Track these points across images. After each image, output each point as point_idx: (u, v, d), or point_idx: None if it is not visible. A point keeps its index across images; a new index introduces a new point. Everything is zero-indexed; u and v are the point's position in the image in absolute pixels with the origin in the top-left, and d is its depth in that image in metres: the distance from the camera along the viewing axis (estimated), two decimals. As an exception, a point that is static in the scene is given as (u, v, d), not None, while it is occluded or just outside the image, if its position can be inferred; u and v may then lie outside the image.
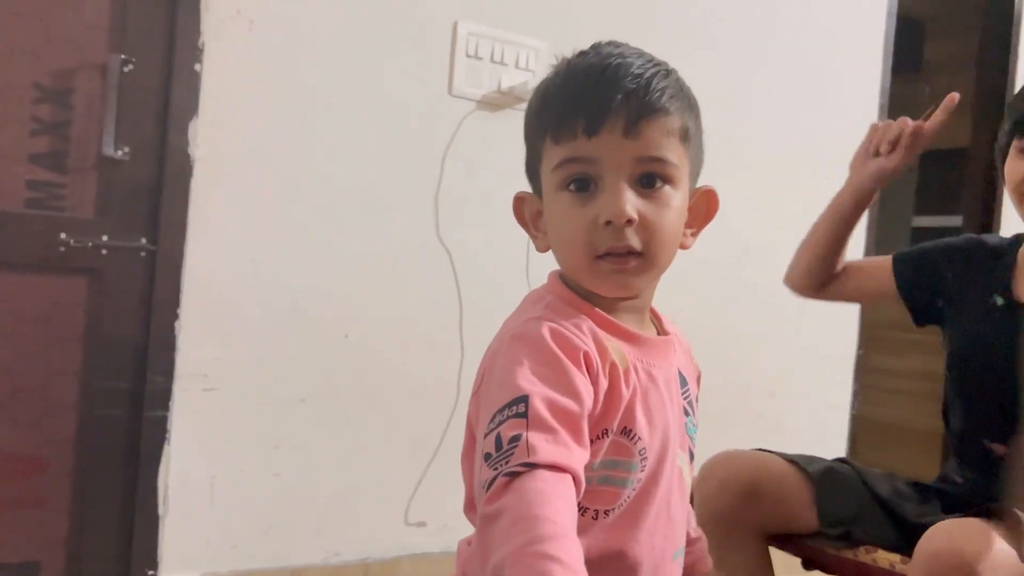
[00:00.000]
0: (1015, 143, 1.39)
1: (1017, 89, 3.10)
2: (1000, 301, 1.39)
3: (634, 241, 0.80)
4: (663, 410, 0.85)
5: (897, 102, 2.70)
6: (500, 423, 0.72)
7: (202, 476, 1.88)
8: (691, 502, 0.99)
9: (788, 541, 1.45)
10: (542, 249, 0.88)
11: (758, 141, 2.51)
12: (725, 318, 2.48)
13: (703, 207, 0.89)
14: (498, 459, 0.70)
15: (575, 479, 0.72)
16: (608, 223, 0.79)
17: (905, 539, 1.33)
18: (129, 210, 1.80)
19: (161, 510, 1.84)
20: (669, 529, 0.87)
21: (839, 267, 1.54)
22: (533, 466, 0.69)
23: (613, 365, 0.80)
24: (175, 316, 1.83)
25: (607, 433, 0.80)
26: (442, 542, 2.12)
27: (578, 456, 0.73)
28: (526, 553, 0.64)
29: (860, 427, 2.85)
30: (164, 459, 1.84)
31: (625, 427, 0.81)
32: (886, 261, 1.53)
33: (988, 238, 1.49)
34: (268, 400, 1.93)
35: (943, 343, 1.50)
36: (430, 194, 2.09)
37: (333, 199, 1.98)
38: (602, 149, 0.79)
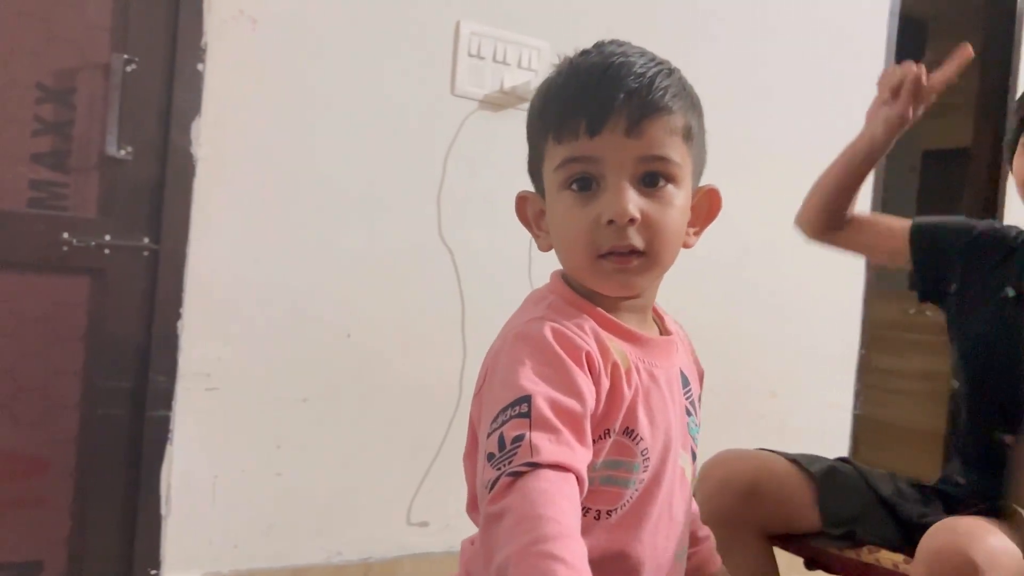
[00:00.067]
0: (1023, 139, 1.38)
1: (1021, 87, 3.11)
2: (1012, 293, 1.39)
3: (636, 240, 0.80)
4: (665, 410, 0.85)
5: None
6: (503, 423, 0.72)
7: (204, 475, 1.88)
8: (694, 501, 0.99)
9: (791, 541, 1.45)
10: (544, 248, 0.88)
11: (759, 141, 2.51)
12: (727, 318, 2.47)
13: (706, 206, 0.89)
14: (501, 459, 0.70)
15: (578, 479, 0.72)
16: (610, 222, 0.79)
17: (908, 539, 1.33)
18: (132, 210, 1.80)
19: (163, 509, 1.84)
20: (672, 529, 0.87)
21: (849, 214, 1.52)
22: (536, 466, 0.69)
23: (615, 365, 0.80)
24: (177, 316, 1.83)
25: (609, 433, 0.80)
26: (444, 542, 2.12)
27: (581, 456, 0.73)
28: (530, 553, 0.64)
29: (862, 427, 2.85)
30: (166, 459, 1.84)
31: (627, 427, 0.81)
32: (904, 226, 1.51)
33: (1007, 229, 1.47)
34: (270, 400, 1.93)
35: (950, 333, 1.49)
36: (432, 194, 2.09)
37: (336, 199, 1.98)
38: (604, 148, 0.79)
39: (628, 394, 0.81)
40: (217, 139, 1.85)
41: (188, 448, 1.86)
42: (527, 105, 0.89)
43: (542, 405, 0.72)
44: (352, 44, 1.98)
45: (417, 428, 2.08)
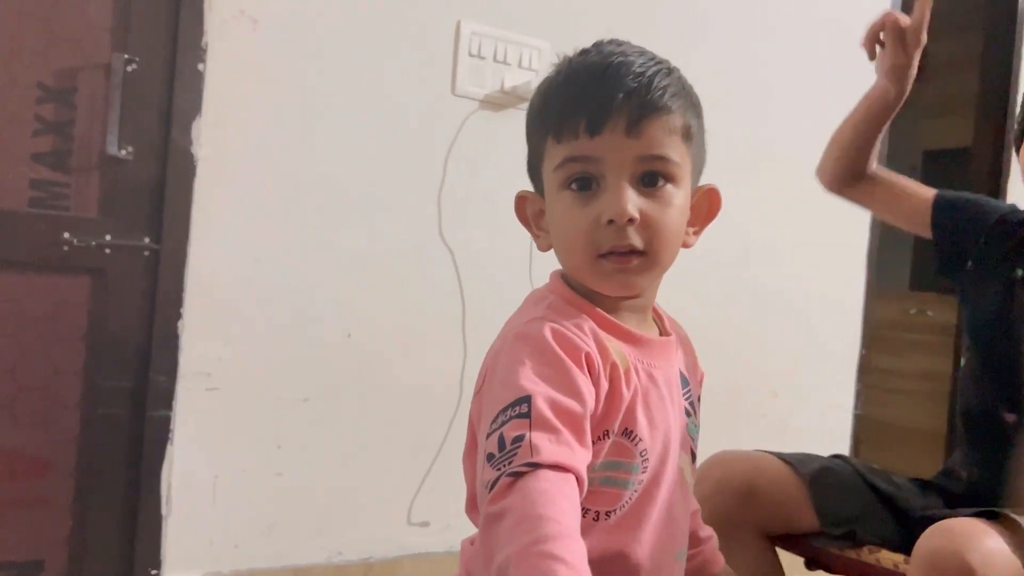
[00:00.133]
0: None
1: (1021, 87, 3.11)
2: (1021, 274, 1.40)
3: (636, 240, 0.80)
4: (664, 411, 0.84)
5: (900, 102, 2.70)
6: (503, 423, 0.72)
7: (204, 475, 1.88)
8: (692, 502, 0.99)
9: (791, 541, 1.45)
10: (544, 248, 0.88)
11: (759, 141, 2.51)
12: (727, 317, 2.47)
13: (705, 205, 0.89)
14: (501, 459, 0.70)
15: (578, 479, 0.71)
16: (610, 222, 0.79)
17: (909, 536, 1.33)
18: (132, 209, 1.81)
19: (164, 509, 1.84)
20: (671, 530, 0.87)
21: (869, 168, 1.51)
22: (536, 466, 0.69)
23: (614, 366, 0.80)
24: (178, 315, 1.83)
25: (608, 434, 0.80)
26: (444, 542, 2.12)
27: (581, 456, 0.73)
28: (531, 553, 0.64)
29: (863, 427, 2.85)
30: (167, 458, 1.84)
31: (626, 428, 0.81)
32: (928, 194, 1.51)
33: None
34: (271, 399, 1.93)
35: (961, 310, 1.49)
36: (433, 194, 2.09)
37: (336, 199, 1.98)
38: (604, 148, 0.79)
39: (627, 395, 0.80)
40: (217, 139, 1.85)
41: (188, 448, 1.86)
42: (527, 105, 0.89)
43: (542, 405, 0.72)
44: (352, 44, 1.98)
45: (417, 428, 2.08)
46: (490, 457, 0.71)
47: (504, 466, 0.70)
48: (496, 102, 2.14)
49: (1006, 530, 1.19)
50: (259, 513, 1.94)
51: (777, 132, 2.55)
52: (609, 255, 0.80)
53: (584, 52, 0.84)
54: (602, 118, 0.78)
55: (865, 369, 2.84)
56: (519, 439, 0.70)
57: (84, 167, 1.77)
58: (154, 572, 1.84)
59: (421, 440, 2.09)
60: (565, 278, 0.87)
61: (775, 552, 1.44)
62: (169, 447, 1.84)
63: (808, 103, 2.60)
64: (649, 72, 0.79)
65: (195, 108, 1.82)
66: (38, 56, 1.72)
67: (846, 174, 1.52)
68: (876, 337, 2.96)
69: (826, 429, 2.74)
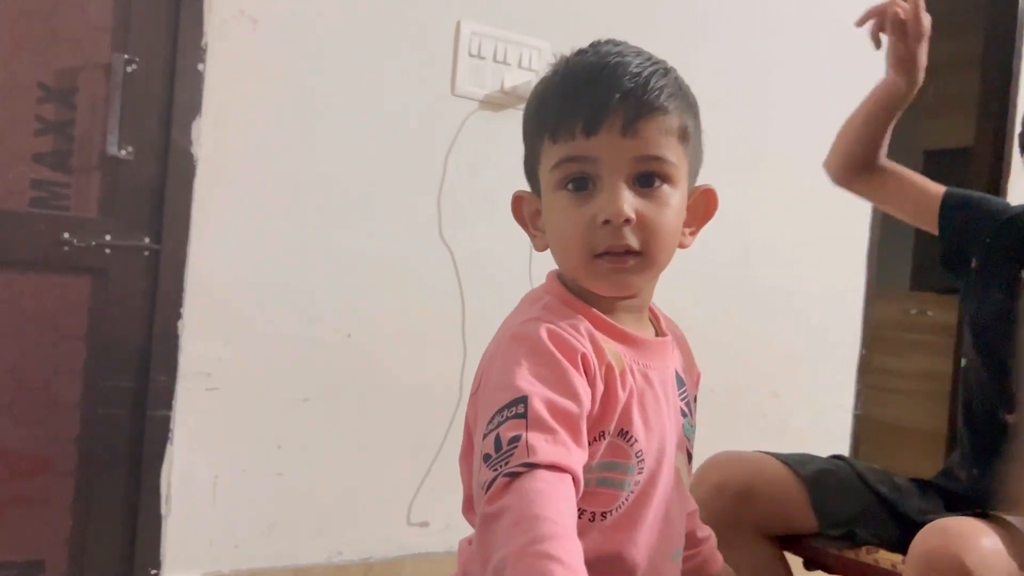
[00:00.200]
0: None
1: (1021, 87, 3.11)
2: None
3: (632, 240, 0.80)
4: (659, 412, 0.84)
5: (900, 102, 2.70)
6: (499, 424, 0.72)
7: (204, 475, 1.88)
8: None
9: (790, 541, 1.45)
10: (540, 248, 0.88)
11: (759, 141, 2.51)
12: (727, 317, 2.47)
13: (702, 206, 0.88)
14: (498, 460, 0.70)
15: (575, 479, 0.71)
16: (606, 222, 0.79)
17: (908, 537, 1.33)
18: (132, 209, 1.81)
19: (164, 509, 1.84)
20: (667, 530, 0.86)
21: (878, 161, 1.51)
22: (533, 466, 0.69)
23: (609, 367, 0.80)
24: (178, 315, 1.84)
25: (604, 435, 0.80)
26: (444, 542, 2.12)
27: (577, 457, 0.73)
28: (527, 553, 0.64)
29: (863, 427, 2.85)
30: (167, 458, 1.84)
31: (622, 429, 0.81)
32: (937, 191, 1.51)
33: None
34: (271, 399, 1.94)
35: (962, 308, 1.49)
36: (433, 194, 2.09)
37: (336, 199, 1.99)
38: (600, 148, 0.79)
39: (622, 396, 0.80)
40: (218, 139, 1.85)
41: (188, 448, 1.86)
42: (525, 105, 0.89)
43: (538, 406, 0.72)
44: (352, 44, 1.98)
45: (417, 428, 2.08)
46: (487, 458, 0.71)
47: (501, 466, 0.70)
48: (496, 102, 2.14)
49: (1002, 530, 1.19)
50: (259, 513, 1.94)
51: (777, 132, 2.55)
52: (605, 255, 0.80)
53: (581, 52, 0.84)
54: (598, 118, 0.78)
55: (865, 369, 2.84)
56: (516, 439, 0.70)
57: (84, 167, 1.77)
58: (154, 572, 1.84)
59: (421, 440, 2.09)
60: (561, 278, 0.86)
61: (781, 552, 1.44)
62: (169, 447, 1.84)
63: (808, 103, 2.60)
64: (646, 72, 0.79)
65: (195, 108, 1.82)
66: (38, 56, 1.72)
67: (856, 166, 1.52)
68: (876, 337, 2.95)
69: (826, 429, 2.73)
